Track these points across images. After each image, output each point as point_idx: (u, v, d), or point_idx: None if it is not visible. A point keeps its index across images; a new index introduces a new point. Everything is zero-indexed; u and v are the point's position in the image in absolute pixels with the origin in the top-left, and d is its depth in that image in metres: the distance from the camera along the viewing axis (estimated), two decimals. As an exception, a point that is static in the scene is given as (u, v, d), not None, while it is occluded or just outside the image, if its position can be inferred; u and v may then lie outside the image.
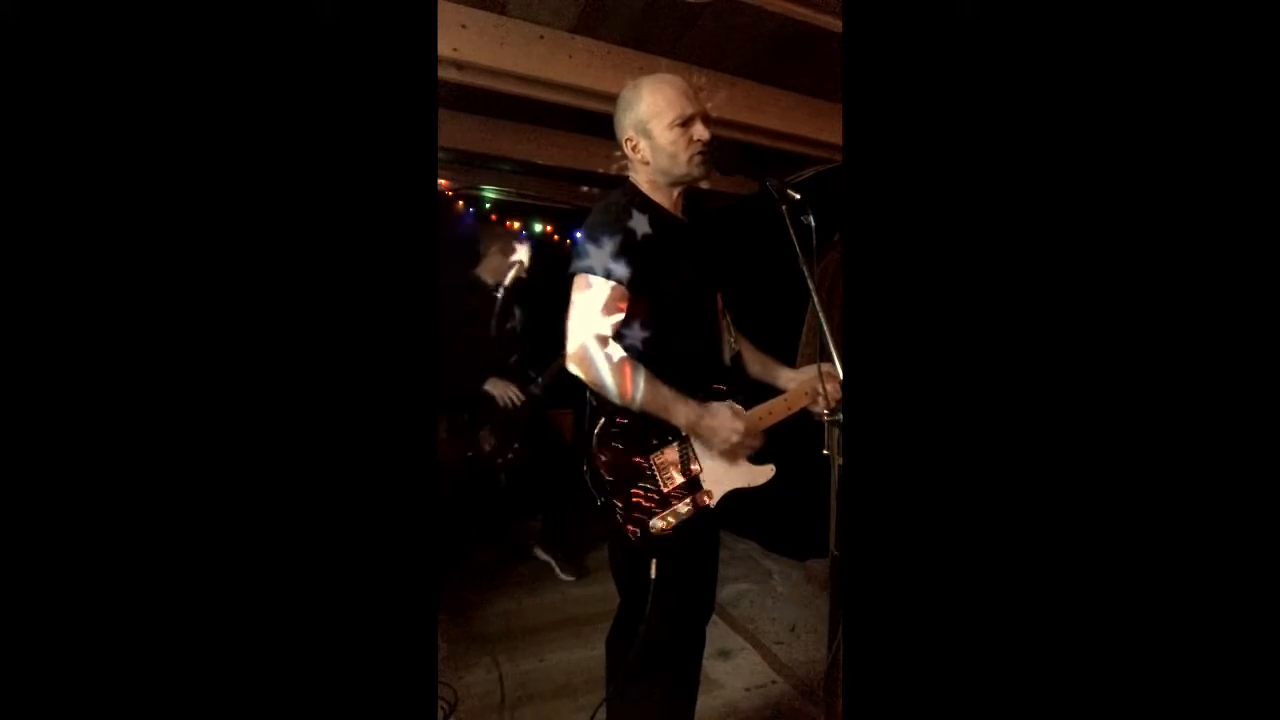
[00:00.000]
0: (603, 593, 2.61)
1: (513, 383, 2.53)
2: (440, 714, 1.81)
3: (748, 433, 1.19)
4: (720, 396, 1.24)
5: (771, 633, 2.37)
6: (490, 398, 2.50)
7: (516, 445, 2.56)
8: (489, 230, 2.75)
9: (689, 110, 1.20)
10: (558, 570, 2.74)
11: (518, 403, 2.51)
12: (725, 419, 1.18)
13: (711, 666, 2.09)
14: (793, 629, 2.40)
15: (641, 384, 1.14)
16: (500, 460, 2.57)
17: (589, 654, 2.15)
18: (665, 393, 1.15)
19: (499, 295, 2.64)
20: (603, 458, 1.19)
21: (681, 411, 1.16)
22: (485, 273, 2.66)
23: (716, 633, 2.26)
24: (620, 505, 1.18)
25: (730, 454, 1.21)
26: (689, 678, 1.35)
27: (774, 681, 2.07)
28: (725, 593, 2.59)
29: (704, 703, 1.58)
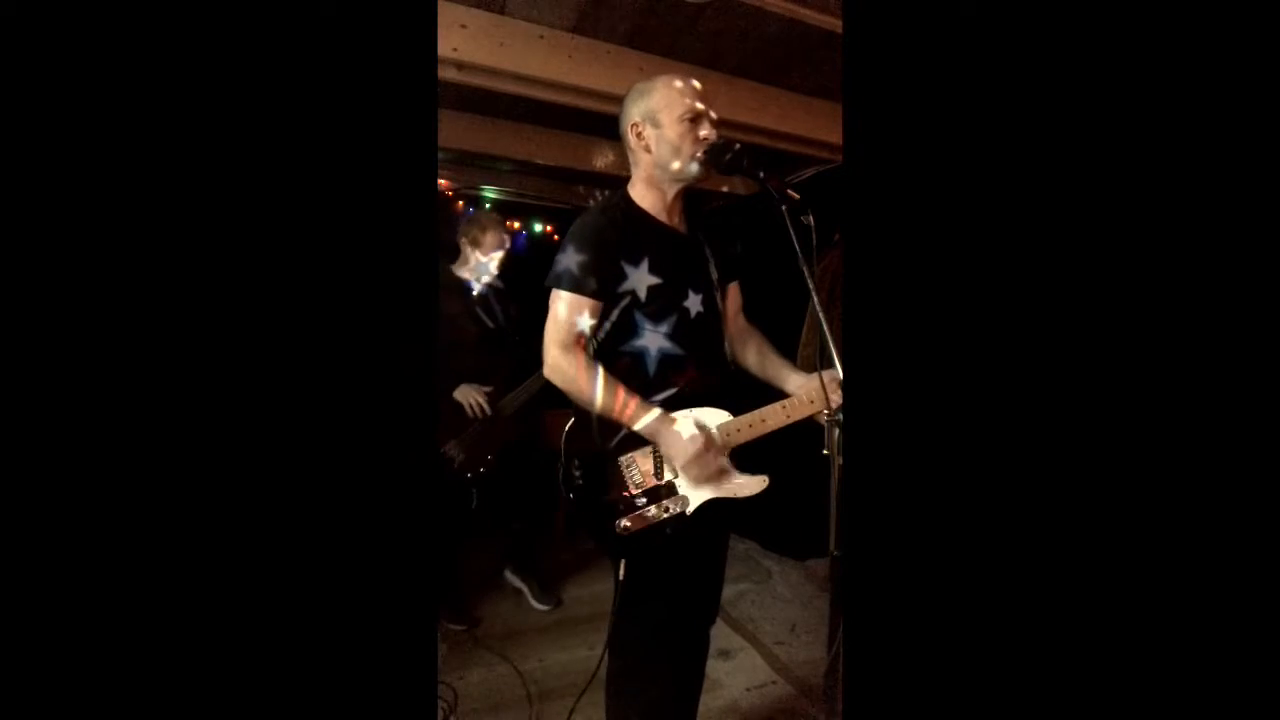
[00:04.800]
0: (603, 593, 2.61)
1: (487, 389, 2.18)
2: (440, 714, 1.81)
3: (706, 450, 1.15)
4: (717, 405, 1.24)
5: (771, 633, 2.37)
6: (459, 406, 2.16)
7: (489, 458, 2.21)
8: (468, 224, 2.40)
9: (700, 108, 1.23)
10: (531, 599, 2.50)
11: (487, 412, 2.16)
12: (680, 434, 1.15)
13: (711, 666, 2.08)
14: (793, 629, 2.40)
15: (603, 391, 1.15)
16: (470, 475, 2.21)
17: (589, 654, 2.16)
18: (625, 400, 1.16)
19: (474, 294, 2.33)
20: (572, 455, 1.22)
21: (641, 421, 1.16)
22: (464, 270, 2.35)
23: (717, 632, 2.24)
24: (586, 503, 1.20)
25: (687, 470, 1.17)
26: (689, 680, 1.35)
27: (774, 681, 2.07)
28: (725, 593, 2.55)
29: (704, 702, 1.57)
